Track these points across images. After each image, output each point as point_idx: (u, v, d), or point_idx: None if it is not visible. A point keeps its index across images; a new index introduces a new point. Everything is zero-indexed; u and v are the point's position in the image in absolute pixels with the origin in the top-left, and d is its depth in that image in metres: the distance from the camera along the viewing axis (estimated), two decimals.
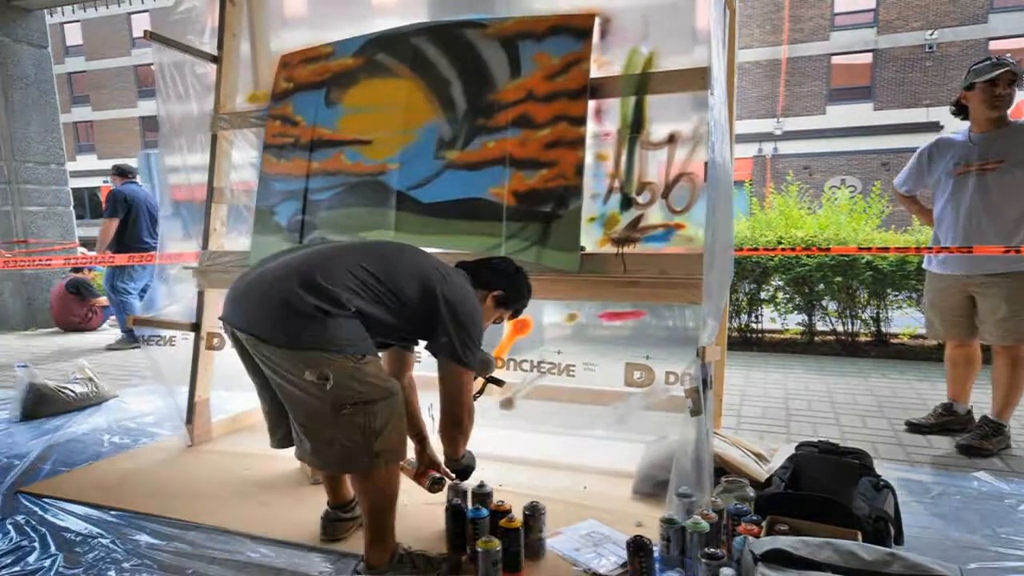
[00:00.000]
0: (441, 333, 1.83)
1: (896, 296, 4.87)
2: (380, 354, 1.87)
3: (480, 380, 2.27)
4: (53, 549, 2.00)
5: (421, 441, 2.18)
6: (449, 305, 1.82)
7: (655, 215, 2.32)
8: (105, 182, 27.41)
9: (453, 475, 2.11)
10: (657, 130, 2.31)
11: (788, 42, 19.22)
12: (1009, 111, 2.71)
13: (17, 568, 1.90)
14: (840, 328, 5.05)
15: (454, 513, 1.88)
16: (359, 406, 1.68)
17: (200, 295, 2.93)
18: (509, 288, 2.09)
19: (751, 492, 1.97)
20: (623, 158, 2.36)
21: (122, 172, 5.65)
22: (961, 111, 2.89)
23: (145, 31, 2.91)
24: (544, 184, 2.36)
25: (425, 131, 2.57)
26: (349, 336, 1.69)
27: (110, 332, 6.35)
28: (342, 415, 1.67)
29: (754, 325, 5.26)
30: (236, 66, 3.07)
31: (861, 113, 18.80)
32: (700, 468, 2.01)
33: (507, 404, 2.57)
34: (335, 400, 1.66)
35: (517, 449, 2.71)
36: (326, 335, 1.65)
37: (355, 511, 2.08)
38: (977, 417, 2.93)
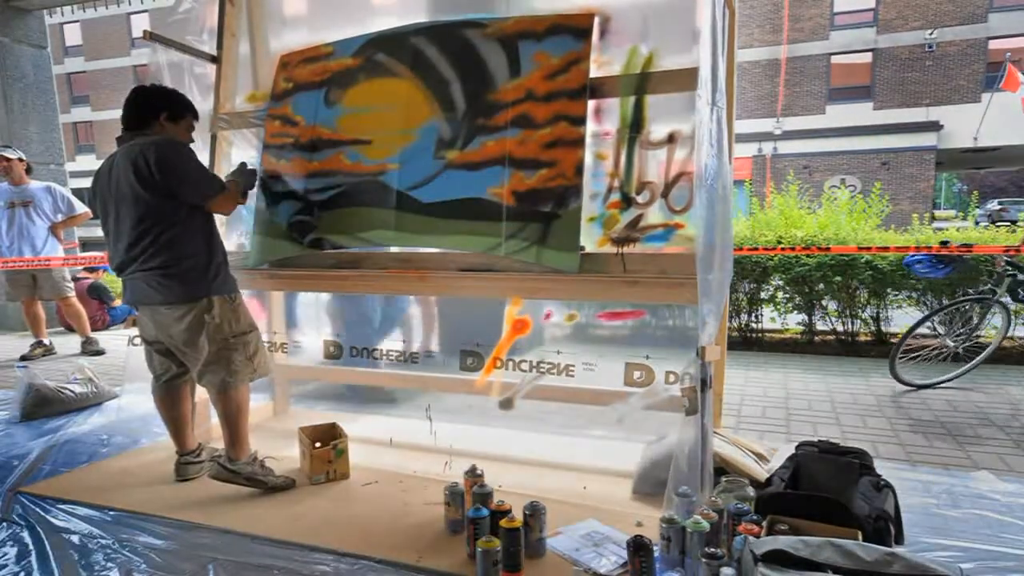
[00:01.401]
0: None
1: (896, 296, 4.87)
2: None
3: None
4: (53, 549, 2.00)
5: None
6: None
7: (655, 215, 2.32)
8: None
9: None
10: (657, 130, 2.31)
11: (788, 42, 19.22)
12: None
13: (17, 568, 1.90)
14: (840, 328, 5.05)
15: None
16: None
17: None
18: (166, 104, 2.36)
19: (751, 492, 1.97)
20: (623, 158, 2.36)
21: None
22: None
23: (144, 31, 2.91)
24: (544, 184, 2.36)
25: (425, 131, 2.57)
26: None
27: (112, 334, 6.35)
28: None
29: (754, 325, 5.26)
30: (235, 66, 3.07)
31: (861, 113, 18.80)
32: (700, 468, 2.01)
33: (506, 404, 2.57)
34: None
35: (517, 449, 2.71)
36: None
37: (201, 457, 2.56)
38: None
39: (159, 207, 2.24)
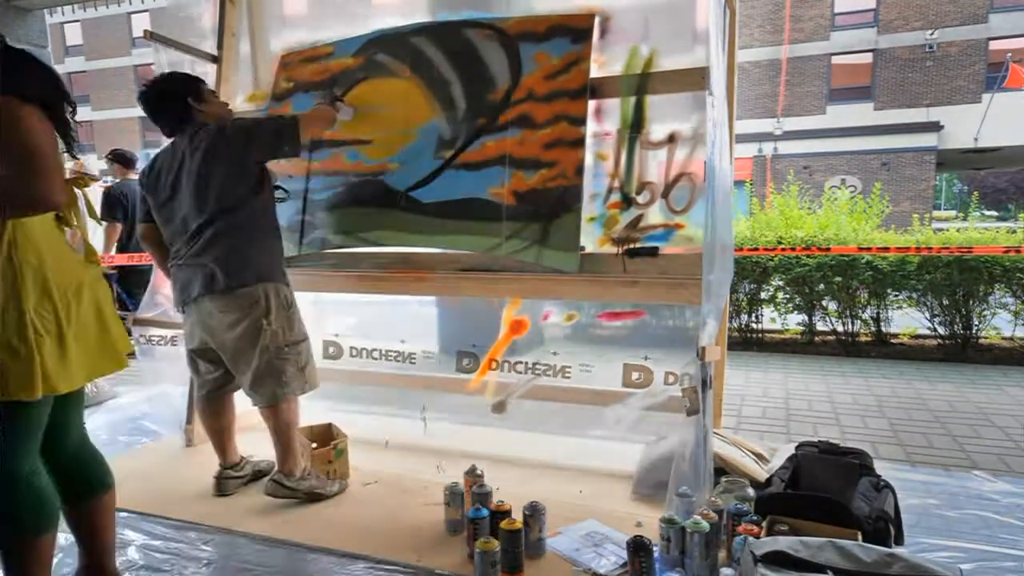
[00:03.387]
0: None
1: (896, 296, 4.87)
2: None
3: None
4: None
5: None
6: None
7: (655, 215, 2.32)
8: (106, 182, 27.43)
9: None
10: (657, 130, 2.31)
11: (788, 42, 19.20)
12: None
13: None
14: (840, 328, 5.05)
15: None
16: None
17: None
18: (184, 85, 2.25)
19: (751, 492, 1.97)
20: (623, 158, 2.36)
21: (124, 160, 4.86)
22: None
23: (145, 31, 2.91)
24: (544, 184, 2.36)
25: (425, 131, 2.57)
26: None
27: None
28: None
29: (754, 325, 5.26)
30: (236, 66, 3.07)
31: (861, 113, 18.77)
32: (700, 468, 2.01)
33: (499, 408, 2.57)
34: None
35: (517, 449, 2.71)
36: None
37: (244, 470, 2.45)
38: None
39: (223, 192, 2.15)
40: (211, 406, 2.43)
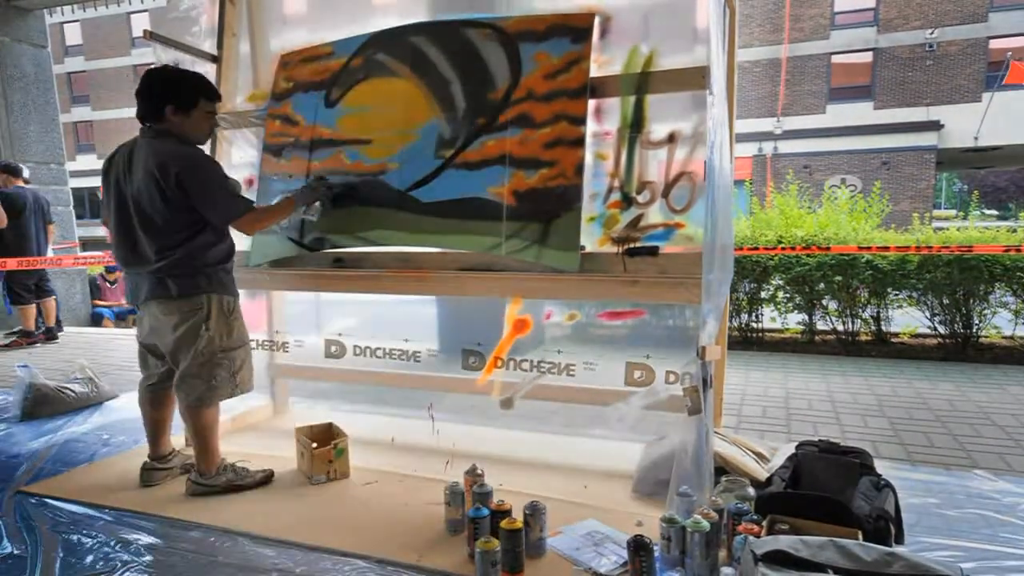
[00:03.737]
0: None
1: (896, 295, 4.87)
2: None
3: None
4: (53, 549, 2.00)
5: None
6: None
7: (655, 214, 2.31)
8: None
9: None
10: (657, 129, 2.31)
11: (788, 41, 19.20)
12: None
13: (17, 568, 1.90)
14: (840, 327, 5.05)
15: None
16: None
17: None
18: (171, 95, 2.22)
19: (751, 491, 1.97)
20: (623, 157, 2.36)
21: (10, 170, 5.43)
22: None
23: (145, 31, 2.90)
24: (544, 183, 2.36)
25: (425, 131, 2.57)
26: None
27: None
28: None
29: (754, 324, 5.26)
30: (236, 66, 3.07)
31: (861, 112, 18.78)
32: (700, 467, 2.01)
33: (507, 404, 2.57)
34: None
35: (517, 449, 2.71)
36: None
37: (170, 462, 2.52)
38: None
39: (175, 216, 2.20)
40: (153, 397, 2.50)
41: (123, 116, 27.50)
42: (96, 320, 7.06)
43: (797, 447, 2.20)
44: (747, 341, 5.22)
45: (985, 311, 4.72)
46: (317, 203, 2.61)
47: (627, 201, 2.35)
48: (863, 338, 5.06)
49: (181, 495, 2.37)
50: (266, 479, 2.46)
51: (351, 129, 2.69)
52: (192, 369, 2.29)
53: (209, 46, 3.03)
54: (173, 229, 2.22)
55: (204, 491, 2.35)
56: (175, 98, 2.23)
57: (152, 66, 2.30)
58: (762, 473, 2.20)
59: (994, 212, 19.42)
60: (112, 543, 2.03)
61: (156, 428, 2.52)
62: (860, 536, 1.65)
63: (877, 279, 4.69)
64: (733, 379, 3.97)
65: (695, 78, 2.17)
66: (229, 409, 3.26)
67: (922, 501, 2.26)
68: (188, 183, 2.17)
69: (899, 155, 18.26)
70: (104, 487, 2.46)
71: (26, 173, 5.61)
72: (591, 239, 2.37)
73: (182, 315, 2.27)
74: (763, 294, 5.17)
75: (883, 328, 5.01)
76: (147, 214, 2.21)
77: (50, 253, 5.79)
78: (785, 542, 1.54)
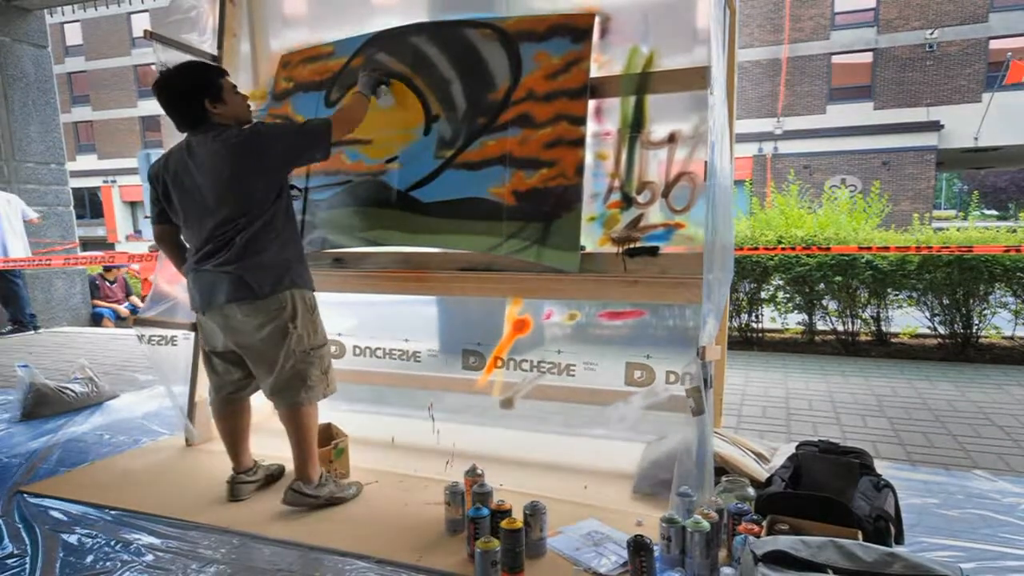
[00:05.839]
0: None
1: (896, 295, 4.87)
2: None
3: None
4: (53, 549, 2.00)
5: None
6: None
7: (655, 214, 2.32)
8: (104, 182, 27.48)
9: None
10: (657, 129, 2.31)
11: (788, 42, 19.20)
12: None
13: (16, 567, 1.90)
14: (840, 327, 5.05)
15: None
16: None
17: None
18: (199, 90, 2.14)
19: (752, 492, 1.97)
20: (623, 157, 2.36)
21: None
22: None
23: (145, 30, 2.90)
24: (544, 183, 2.36)
25: (425, 131, 2.57)
26: None
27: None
28: None
29: (754, 324, 5.26)
30: (236, 66, 3.06)
31: (861, 112, 18.79)
32: (701, 467, 2.01)
33: (507, 404, 2.57)
34: None
35: (517, 449, 2.71)
36: None
37: (257, 475, 2.41)
38: None
39: (249, 196, 2.10)
40: (229, 408, 2.39)
41: (123, 116, 27.53)
42: (96, 320, 7.06)
43: (797, 447, 2.20)
44: (747, 341, 5.22)
45: (985, 311, 4.72)
46: (382, 86, 2.51)
47: (627, 201, 2.35)
48: (863, 338, 5.06)
49: (181, 495, 2.37)
50: (359, 491, 2.34)
51: None
52: (285, 371, 2.18)
53: (209, 46, 3.02)
54: (251, 220, 2.10)
55: (306, 502, 2.21)
56: (204, 90, 2.14)
57: (156, 78, 2.18)
58: (762, 473, 2.20)
59: (994, 212, 19.43)
60: (112, 543, 2.03)
61: (236, 439, 2.39)
62: (860, 536, 1.65)
63: (877, 279, 4.69)
64: (733, 379, 3.97)
65: (695, 78, 2.17)
66: None
67: (922, 501, 2.26)
68: (271, 135, 2.13)
69: (899, 155, 18.27)
70: (104, 487, 2.47)
71: None
72: (591, 239, 2.37)
73: (268, 315, 2.14)
74: (763, 294, 5.17)
75: (883, 328, 5.01)
76: (224, 205, 2.10)
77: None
78: (785, 542, 1.54)
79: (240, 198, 2.10)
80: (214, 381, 2.38)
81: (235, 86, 2.24)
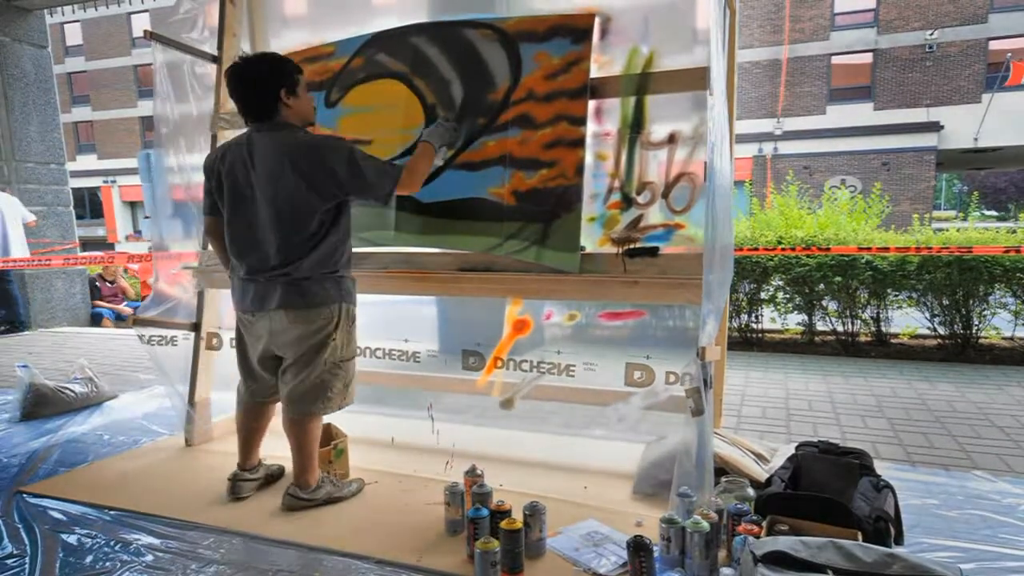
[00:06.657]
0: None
1: (896, 296, 4.87)
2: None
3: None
4: (53, 549, 2.00)
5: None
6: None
7: (655, 215, 2.32)
8: (105, 182, 27.50)
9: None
10: (657, 130, 2.31)
11: (788, 42, 19.21)
12: None
13: (16, 567, 1.90)
14: (840, 328, 5.05)
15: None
16: None
17: (200, 295, 2.93)
18: (279, 77, 2.12)
19: (751, 492, 1.97)
20: (623, 158, 2.36)
21: None
22: None
23: (145, 31, 2.91)
24: (544, 184, 2.36)
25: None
26: None
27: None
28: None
29: (754, 325, 5.26)
30: None
31: (861, 113, 18.80)
32: (700, 468, 2.01)
33: (507, 404, 2.57)
34: None
35: (517, 449, 2.71)
36: None
37: (258, 473, 2.42)
38: None
39: (312, 212, 2.09)
40: (258, 409, 2.40)
41: (123, 116, 27.53)
42: (96, 320, 7.06)
43: (797, 448, 2.20)
44: (747, 342, 5.23)
45: (985, 312, 4.72)
46: (445, 146, 2.44)
47: (627, 201, 2.35)
48: (863, 339, 5.06)
49: (181, 495, 2.37)
50: (360, 489, 2.37)
51: (352, 129, 2.69)
52: (310, 379, 2.18)
53: (209, 46, 3.02)
54: (307, 227, 2.09)
55: (304, 506, 2.23)
56: (283, 79, 2.11)
57: (234, 62, 2.13)
58: (762, 474, 2.20)
59: (994, 213, 19.44)
60: (112, 543, 2.03)
61: (252, 438, 2.41)
62: (860, 537, 1.65)
63: (877, 280, 4.70)
64: (733, 380, 3.97)
65: (695, 79, 2.17)
66: (228, 409, 3.27)
67: (921, 502, 2.26)
68: (343, 160, 2.07)
69: (899, 156, 18.28)
70: (104, 487, 2.47)
71: None
72: (591, 240, 2.37)
73: (315, 325, 2.16)
74: (763, 295, 5.17)
75: (883, 329, 5.01)
76: (280, 211, 2.08)
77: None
78: (785, 543, 1.54)
79: (297, 213, 2.09)
80: (251, 387, 2.37)
81: (307, 85, 2.23)
